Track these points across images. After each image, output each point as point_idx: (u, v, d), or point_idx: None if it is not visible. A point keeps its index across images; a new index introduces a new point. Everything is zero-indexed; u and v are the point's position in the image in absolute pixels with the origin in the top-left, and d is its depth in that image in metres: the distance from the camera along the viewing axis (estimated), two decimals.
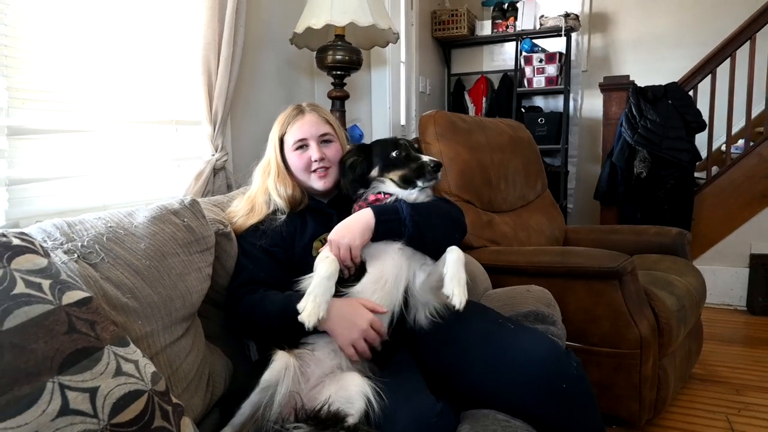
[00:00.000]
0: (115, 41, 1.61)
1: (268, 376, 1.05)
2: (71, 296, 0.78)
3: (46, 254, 0.83)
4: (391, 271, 1.25)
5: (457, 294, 1.15)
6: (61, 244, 0.97)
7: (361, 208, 1.31)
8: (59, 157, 1.47)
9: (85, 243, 0.99)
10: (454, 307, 1.15)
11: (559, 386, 1.15)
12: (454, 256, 1.21)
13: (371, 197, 1.34)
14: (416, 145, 1.46)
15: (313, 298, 1.12)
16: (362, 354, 1.18)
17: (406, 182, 1.34)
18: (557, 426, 1.17)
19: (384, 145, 1.41)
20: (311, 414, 1.02)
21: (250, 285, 1.32)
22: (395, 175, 1.35)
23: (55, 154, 1.46)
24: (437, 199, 1.39)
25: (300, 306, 1.11)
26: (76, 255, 0.96)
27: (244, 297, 1.29)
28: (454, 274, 1.18)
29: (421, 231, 1.26)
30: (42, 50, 1.41)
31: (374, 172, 1.37)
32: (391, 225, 1.25)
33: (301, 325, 1.12)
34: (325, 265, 1.17)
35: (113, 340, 0.78)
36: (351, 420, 1.02)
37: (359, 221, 1.25)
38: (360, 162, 1.40)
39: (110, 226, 1.05)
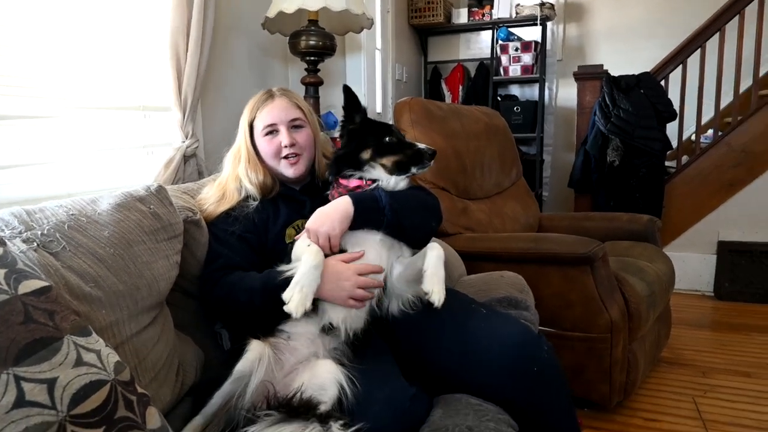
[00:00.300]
0: (81, 24, 1.55)
1: (241, 366, 1.04)
2: (28, 285, 0.75)
3: (2, 243, 0.80)
4: (372, 261, 1.24)
5: (436, 291, 1.17)
6: (20, 233, 0.94)
7: (339, 194, 1.29)
8: (21, 144, 1.42)
9: (45, 231, 0.95)
10: (432, 304, 1.17)
11: (530, 369, 1.17)
12: (434, 253, 1.22)
13: (353, 183, 1.30)
14: (402, 134, 1.42)
15: (300, 288, 1.10)
16: (364, 299, 1.18)
17: (400, 168, 1.30)
18: (529, 409, 1.18)
19: (377, 129, 1.36)
20: (283, 402, 1.01)
21: (226, 269, 1.30)
22: (389, 160, 1.30)
23: (17, 141, 1.41)
24: (413, 187, 1.38)
25: (286, 296, 1.09)
26: (35, 244, 0.93)
27: (220, 279, 1.27)
28: (434, 272, 1.19)
29: (399, 219, 1.25)
30: (2, 33, 1.35)
31: (365, 154, 1.31)
32: (370, 213, 1.24)
33: (280, 298, 1.11)
34: (311, 255, 1.15)
35: (73, 329, 0.76)
36: (323, 408, 1.02)
37: (337, 209, 1.23)
38: (351, 133, 1.35)
39: (72, 214, 1.02)
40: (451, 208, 2.20)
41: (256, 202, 1.41)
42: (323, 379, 1.06)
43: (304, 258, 1.14)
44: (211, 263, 1.32)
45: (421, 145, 1.32)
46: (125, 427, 0.73)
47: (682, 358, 2.48)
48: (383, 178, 1.30)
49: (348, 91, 1.36)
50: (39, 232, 0.95)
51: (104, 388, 0.73)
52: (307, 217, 1.42)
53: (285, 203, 1.44)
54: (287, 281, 1.14)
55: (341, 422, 0.96)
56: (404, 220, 1.26)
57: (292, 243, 1.37)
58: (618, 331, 1.83)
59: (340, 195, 1.27)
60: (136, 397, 0.78)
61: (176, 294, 1.28)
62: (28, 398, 0.64)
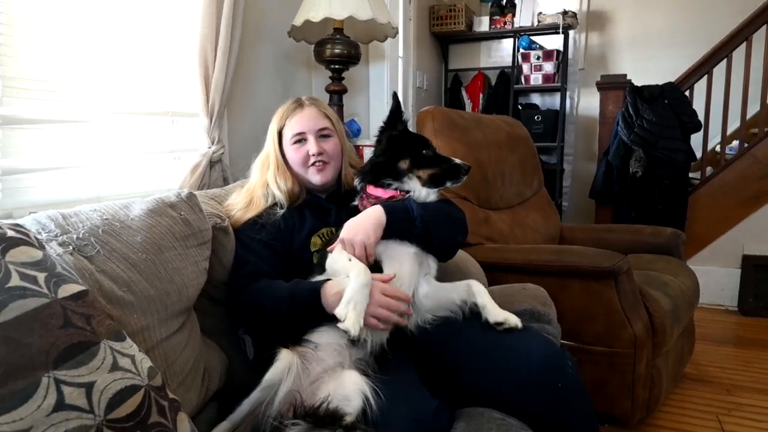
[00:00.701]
0: (112, 31, 1.59)
1: (270, 375, 1.04)
2: (67, 289, 0.76)
3: (41, 246, 0.82)
4: (407, 273, 1.25)
5: (508, 317, 1.25)
6: (56, 236, 0.96)
7: (371, 204, 1.29)
8: (54, 148, 1.45)
9: (81, 235, 0.97)
10: (516, 327, 1.24)
11: (554, 385, 1.16)
12: (481, 288, 1.29)
13: (388, 193, 1.31)
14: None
15: (354, 306, 1.09)
16: (386, 320, 1.16)
17: (435, 181, 1.32)
18: (552, 424, 1.17)
19: (415, 141, 1.37)
20: (310, 411, 1.01)
21: (253, 276, 1.31)
22: (425, 173, 1.32)
23: (49, 145, 1.44)
24: (442, 200, 1.39)
25: (340, 314, 1.08)
26: (71, 247, 0.94)
27: (248, 286, 1.28)
28: (493, 304, 1.26)
29: (429, 231, 1.26)
30: (37, 40, 1.39)
31: (403, 164, 1.31)
32: (401, 223, 1.25)
33: (311, 310, 1.15)
34: (360, 272, 1.14)
35: (109, 334, 0.77)
36: (348, 419, 1.02)
37: (370, 218, 1.24)
38: (391, 140, 1.36)
39: (106, 219, 1.03)
40: (473, 218, 2.19)
41: (283, 210, 1.42)
42: (348, 389, 1.06)
43: (353, 275, 1.13)
44: (238, 270, 1.33)
45: (457, 160, 1.34)
46: None
47: (706, 375, 2.44)
48: (416, 189, 1.31)
49: (396, 99, 1.40)
50: (74, 236, 0.97)
51: (138, 393, 0.74)
52: (332, 225, 1.44)
53: (311, 211, 1.45)
54: (314, 292, 1.15)
55: None
56: (433, 232, 1.26)
57: (318, 251, 1.38)
58: (642, 346, 1.81)
59: (371, 205, 1.28)
60: (167, 402, 0.79)
61: (203, 300, 1.30)
62: (67, 401, 0.65)
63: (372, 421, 1.04)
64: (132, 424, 0.71)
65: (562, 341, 1.68)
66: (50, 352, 0.68)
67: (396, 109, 1.39)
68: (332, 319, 1.13)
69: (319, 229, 1.42)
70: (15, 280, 0.71)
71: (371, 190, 1.33)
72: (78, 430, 0.65)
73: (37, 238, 0.83)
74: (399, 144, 1.35)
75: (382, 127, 1.39)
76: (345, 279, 1.15)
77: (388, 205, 1.27)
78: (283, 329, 1.19)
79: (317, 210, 1.46)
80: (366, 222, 1.23)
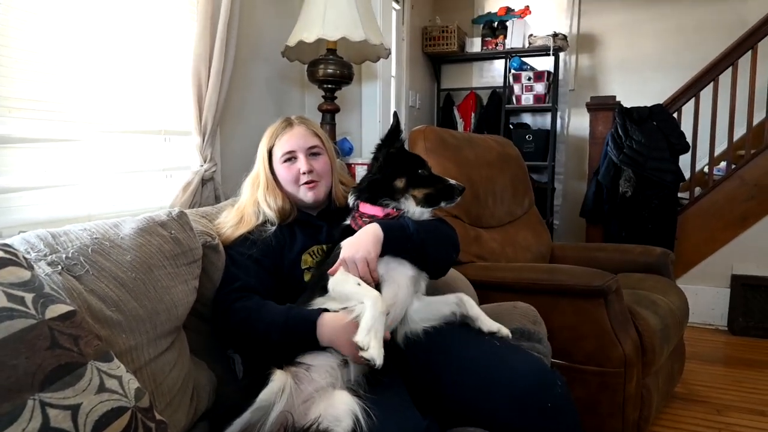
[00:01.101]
0: (105, 51, 1.60)
1: (264, 396, 1.03)
2: (54, 310, 0.76)
3: (30, 267, 0.82)
4: (402, 297, 1.26)
5: (501, 327, 1.32)
6: (45, 255, 0.96)
7: (364, 223, 1.30)
8: (46, 166, 1.45)
9: (70, 255, 0.97)
10: (508, 336, 1.32)
11: (544, 404, 1.16)
12: (472, 302, 1.34)
13: (382, 212, 1.32)
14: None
15: (375, 335, 1.08)
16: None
17: (430, 201, 1.34)
18: None
19: (411, 160, 1.39)
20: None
21: (242, 291, 1.30)
22: (420, 192, 1.34)
23: (41, 163, 1.44)
24: (435, 218, 1.41)
25: (362, 342, 1.07)
26: (60, 267, 0.94)
27: (236, 302, 1.27)
28: (485, 315, 1.33)
29: (425, 247, 1.28)
30: (31, 59, 1.39)
31: (399, 183, 1.34)
32: (398, 240, 1.26)
33: (304, 340, 1.15)
34: (376, 301, 1.12)
35: (97, 355, 0.77)
36: None
37: (368, 235, 1.25)
38: (388, 158, 1.37)
39: (96, 238, 1.03)
40: (464, 236, 2.20)
41: (274, 227, 1.42)
42: (339, 410, 1.05)
43: (370, 304, 1.11)
44: (226, 285, 1.32)
45: (452, 181, 1.36)
46: None
47: (696, 394, 2.44)
48: (410, 208, 1.33)
49: (396, 118, 1.42)
50: (63, 255, 0.97)
51: (125, 415, 0.73)
52: (323, 242, 1.44)
53: (301, 229, 1.46)
54: (310, 323, 1.16)
55: None
56: (429, 248, 1.29)
57: (309, 269, 1.38)
58: (631, 365, 1.81)
59: (365, 223, 1.29)
60: (154, 424, 0.79)
61: (192, 318, 1.28)
62: (52, 425, 0.65)
63: None
64: None
65: (552, 360, 1.69)
66: (36, 374, 0.67)
67: (395, 128, 1.40)
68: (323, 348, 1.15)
69: (309, 247, 1.42)
70: (2, 301, 0.71)
71: (365, 208, 1.34)
72: None
73: (25, 258, 0.83)
74: (395, 162, 1.37)
75: (379, 144, 1.41)
76: (343, 311, 1.16)
77: (384, 222, 1.28)
78: (271, 353, 1.18)
79: (308, 227, 1.47)
80: (365, 239, 1.24)
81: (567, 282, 1.88)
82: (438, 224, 1.39)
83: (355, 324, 1.12)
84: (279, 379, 1.05)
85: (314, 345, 1.16)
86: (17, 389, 0.65)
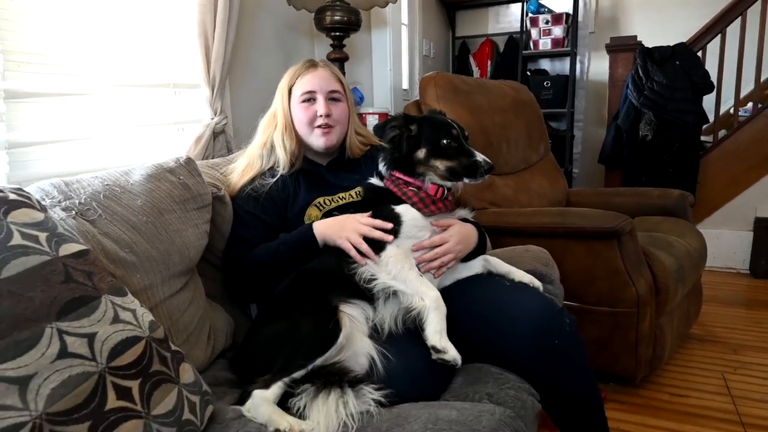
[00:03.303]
0: (112, 3, 1.59)
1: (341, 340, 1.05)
2: (68, 248, 0.80)
3: (43, 209, 0.85)
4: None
5: (533, 279, 1.39)
6: (59, 201, 0.99)
7: (413, 192, 1.26)
8: (58, 121, 1.48)
9: (83, 200, 1.01)
10: (539, 288, 1.36)
11: (551, 342, 1.17)
12: (497, 260, 1.38)
13: (432, 187, 1.27)
14: (466, 134, 1.33)
15: (446, 336, 1.12)
16: (357, 245, 1.19)
17: (452, 175, 1.27)
18: (549, 381, 1.19)
19: (436, 127, 1.29)
20: (320, 372, 1.04)
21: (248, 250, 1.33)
22: (443, 164, 1.26)
23: (54, 118, 1.47)
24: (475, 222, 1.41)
25: (439, 346, 1.10)
26: (73, 212, 0.98)
27: (242, 256, 1.31)
28: (516, 269, 1.38)
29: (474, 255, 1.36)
30: (37, 13, 1.40)
31: (421, 154, 1.27)
32: (476, 252, 1.35)
33: (306, 244, 1.25)
34: (441, 303, 1.14)
35: (110, 290, 0.81)
36: (352, 375, 1.05)
37: (471, 238, 1.32)
38: (409, 138, 1.29)
39: (107, 185, 1.07)
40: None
41: (275, 178, 1.41)
42: (357, 351, 1.09)
43: (433, 306, 1.12)
44: (235, 247, 1.34)
45: (479, 157, 1.26)
46: (160, 380, 0.78)
47: (712, 335, 2.44)
48: (435, 181, 1.28)
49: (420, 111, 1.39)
50: (77, 201, 1.00)
51: (140, 344, 0.77)
52: (329, 194, 1.43)
53: (307, 180, 1.44)
54: (306, 227, 1.27)
55: (372, 386, 1.00)
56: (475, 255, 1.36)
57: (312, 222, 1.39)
58: (645, 305, 1.82)
59: (412, 192, 1.27)
60: (170, 353, 0.83)
61: (206, 266, 1.34)
62: (70, 350, 0.69)
63: (377, 379, 1.08)
64: (134, 372, 0.75)
65: (565, 302, 1.70)
66: (52, 305, 0.71)
67: (407, 124, 1.32)
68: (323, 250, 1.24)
69: (315, 199, 1.41)
70: (17, 239, 0.74)
71: (406, 177, 1.28)
72: (81, 375, 0.69)
73: (39, 202, 0.86)
74: (427, 129, 1.29)
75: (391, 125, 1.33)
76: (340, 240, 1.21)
77: (482, 231, 1.36)
78: (280, 278, 1.24)
79: (315, 179, 1.45)
80: (470, 240, 1.30)
81: (580, 224, 1.87)
82: (484, 237, 1.40)
83: (338, 220, 1.25)
84: (343, 333, 1.06)
85: (316, 247, 1.25)
86: (35, 319, 0.69)
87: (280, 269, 1.25)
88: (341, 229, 1.23)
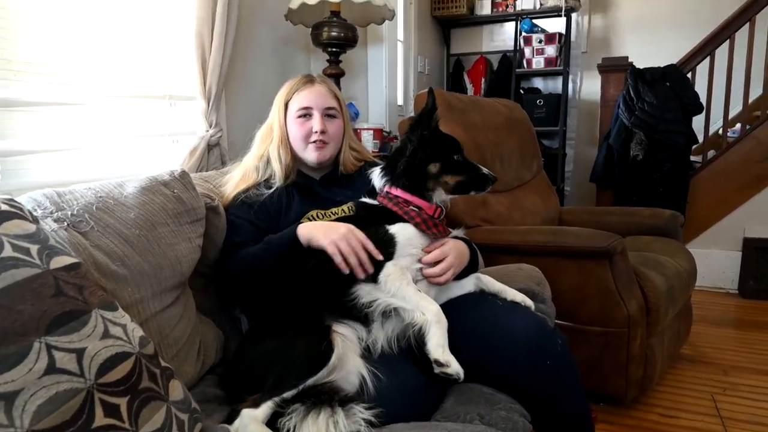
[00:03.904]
0: (109, 14, 1.60)
1: (325, 372, 1.04)
2: (59, 261, 0.79)
3: (35, 220, 0.84)
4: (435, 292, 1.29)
5: (525, 298, 1.38)
6: (51, 212, 0.98)
7: (414, 212, 1.25)
8: (53, 130, 1.47)
9: (75, 212, 1.00)
10: (531, 307, 1.35)
11: (543, 363, 1.17)
12: (489, 278, 1.38)
13: (430, 208, 1.26)
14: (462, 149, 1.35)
15: (448, 350, 1.11)
16: (347, 254, 1.15)
17: (460, 189, 1.29)
18: (541, 401, 1.19)
19: (448, 143, 1.30)
20: (311, 391, 1.02)
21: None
22: (453, 179, 1.27)
23: (49, 127, 1.46)
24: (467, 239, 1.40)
25: (442, 359, 1.09)
26: (65, 223, 0.97)
27: (230, 257, 1.30)
28: (509, 288, 1.37)
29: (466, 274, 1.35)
30: (34, 22, 1.40)
31: (433, 168, 1.26)
32: (470, 267, 1.34)
33: (289, 246, 1.21)
34: (442, 317, 1.14)
35: (101, 304, 0.79)
36: (342, 394, 1.04)
37: (464, 253, 1.30)
38: (424, 150, 1.27)
39: (100, 196, 1.06)
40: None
41: (270, 190, 1.41)
42: (348, 370, 1.08)
43: (434, 320, 1.12)
44: (228, 254, 1.32)
45: (485, 170, 1.30)
46: (149, 397, 0.77)
47: (702, 356, 2.45)
48: (440, 197, 1.29)
49: (432, 95, 1.32)
50: (69, 213, 0.99)
51: (129, 360, 0.76)
52: (321, 208, 1.43)
53: (300, 193, 1.44)
54: (289, 230, 1.23)
55: (363, 405, 0.99)
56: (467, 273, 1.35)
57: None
58: (636, 325, 1.82)
59: (414, 211, 1.25)
60: (159, 370, 0.82)
61: (198, 279, 1.32)
62: (58, 366, 0.68)
63: (368, 398, 1.07)
64: (123, 389, 0.73)
65: (556, 321, 1.70)
66: (42, 318, 0.70)
67: (431, 108, 1.30)
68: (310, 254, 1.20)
69: (307, 212, 1.39)
70: (8, 251, 0.73)
71: (406, 196, 1.27)
72: (68, 392, 0.67)
73: (31, 213, 0.85)
74: (431, 145, 1.28)
75: (413, 124, 1.31)
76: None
77: (474, 249, 1.35)
78: (268, 282, 1.21)
79: (308, 193, 1.45)
80: (463, 255, 1.29)
81: (572, 243, 1.88)
82: (476, 255, 1.40)
83: (334, 223, 1.23)
84: (335, 354, 1.05)
85: (300, 249, 1.21)
86: (23, 332, 0.67)
87: (265, 270, 1.23)
88: (330, 231, 1.18)
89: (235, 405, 1.00)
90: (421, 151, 1.27)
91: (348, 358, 1.11)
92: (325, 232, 1.19)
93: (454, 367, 1.09)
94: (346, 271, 1.15)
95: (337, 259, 1.15)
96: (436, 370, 1.09)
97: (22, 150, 1.40)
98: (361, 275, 1.15)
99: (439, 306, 1.15)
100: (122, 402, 0.73)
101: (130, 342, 0.79)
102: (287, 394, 1.00)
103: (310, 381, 1.01)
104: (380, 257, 1.17)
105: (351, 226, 1.20)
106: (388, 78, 2.80)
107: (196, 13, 1.79)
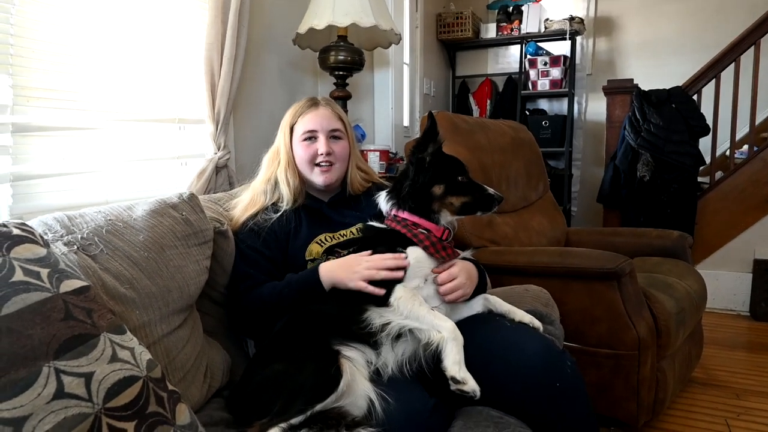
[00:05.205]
0: (120, 40, 1.64)
1: (333, 397, 1.03)
2: (69, 285, 0.79)
3: (46, 244, 0.85)
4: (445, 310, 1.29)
5: (533, 319, 1.37)
6: (61, 236, 0.99)
7: (423, 235, 1.25)
8: (64, 154, 1.50)
9: (85, 235, 1.01)
10: (539, 329, 1.35)
11: (552, 385, 1.16)
12: (497, 299, 1.38)
13: (439, 230, 1.26)
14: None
15: (465, 367, 1.11)
16: (374, 277, 1.18)
17: (466, 210, 1.29)
18: (550, 424, 1.17)
19: (452, 165, 1.30)
20: (318, 416, 1.02)
21: (254, 288, 1.32)
22: (458, 200, 1.28)
23: (59, 151, 1.49)
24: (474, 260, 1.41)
25: (459, 377, 1.09)
26: (75, 246, 0.98)
27: (248, 293, 1.31)
28: (517, 309, 1.37)
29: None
30: (47, 49, 1.44)
31: (438, 190, 1.26)
32: (479, 287, 1.35)
33: (311, 286, 1.24)
34: (458, 334, 1.14)
35: (110, 327, 0.80)
36: (350, 418, 1.03)
37: (474, 278, 1.31)
38: (427, 173, 1.28)
39: (110, 219, 1.07)
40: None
41: (278, 214, 1.42)
42: (356, 394, 1.07)
43: (450, 337, 1.12)
44: (239, 282, 1.34)
45: (491, 190, 1.31)
46: (156, 422, 0.76)
47: (714, 379, 2.41)
48: (446, 218, 1.29)
49: (432, 119, 1.32)
50: (79, 236, 1.00)
51: (137, 384, 0.76)
52: (331, 230, 1.44)
53: (308, 216, 1.45)
54: (312, 269, 1.26)
55: (371, 429, 0.98)
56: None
57: (313, 260, 1.38)
58: (646, 348, 1.80)
59: (423, 234, 1.25)
60: (166, 393, 0.82)
61: (205, 301, 1.33)
62: (67, 390, 0.68)
63: (376, 422, 1.06)
64: (130, 413, 0.73)
65: (565, 343, 1.68)
66: (51, 343, 0.70)
67: (431, 130, 1.30)
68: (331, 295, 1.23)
69: (317, 236, 1.41)
70: (19, 275, 0.74)
71: (413, 218, 1.27)
72: (77, 417, 0.67)
73: (41, 237, 0.86)
74: (432, 167, 1.28)
75: (414, 148, 1.31)
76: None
77: (480, 267, 1.37)
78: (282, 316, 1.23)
79: (316, 215, 1.46)
80: (473, 277, 1.30)
81: (580, 265, 1.86)
82: (483, 276, 1.41)
83: (346, 261, 1.25)
84: (344, 381, 1.04)
85: (321, 290, 1.24)
86: (33, 357, 0.68)
87: (284, 309, 1.25)
88: (350, 271, 1.22)
89: (243, 429, 0.99)
90: (424, 173, 1.27)
91: (356, 383, 1.10)
92: (347, 274, 1.22)
93: (471, 385, 1.08)
94: (382, 293, 1.18)
95: (370, 289, 1.18)
96: (453, 387, 1.08)
97: (35, 174, 1.42)
98: (400, 275, 1.20)
99: (453, 323, 1.14)
100: (129, 427, 0.72)
101: (138, 365, 0.79)
102: (295, 420, 0.99)
103: (318, 407, 1.00)
104: (399, 274, 1.20)
105: (362, 257, 1.24)
106: (395, 100, 2.83)
107: (206, 39, 1.83)
